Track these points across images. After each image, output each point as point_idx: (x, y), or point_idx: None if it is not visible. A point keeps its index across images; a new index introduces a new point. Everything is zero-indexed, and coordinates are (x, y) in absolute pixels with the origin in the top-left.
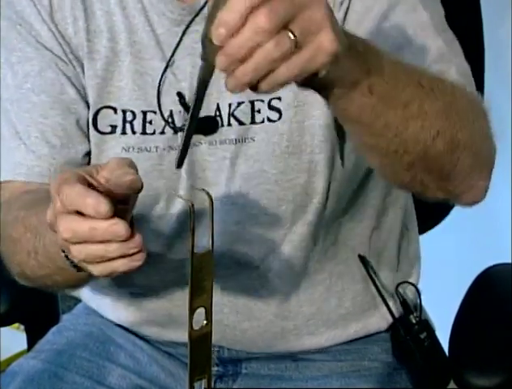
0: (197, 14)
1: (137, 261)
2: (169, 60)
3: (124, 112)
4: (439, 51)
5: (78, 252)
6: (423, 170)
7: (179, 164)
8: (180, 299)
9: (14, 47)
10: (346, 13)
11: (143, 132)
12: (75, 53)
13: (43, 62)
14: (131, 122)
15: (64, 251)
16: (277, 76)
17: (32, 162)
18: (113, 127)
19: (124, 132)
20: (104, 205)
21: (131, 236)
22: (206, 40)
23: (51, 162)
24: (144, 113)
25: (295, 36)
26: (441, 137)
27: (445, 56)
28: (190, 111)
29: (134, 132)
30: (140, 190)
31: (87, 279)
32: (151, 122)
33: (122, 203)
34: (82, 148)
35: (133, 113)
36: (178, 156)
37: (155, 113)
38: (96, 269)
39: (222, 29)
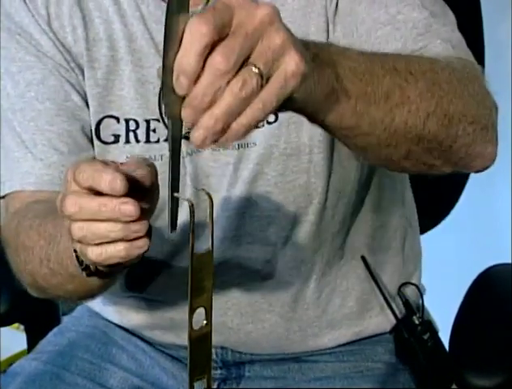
0: None
1: (138, 248)
2: None
3: (127, 121)
4: (425, 22)
5: (79, 229)
6: (423, 154)
7: (172, 229)
8: (182, 305)
9: (14, 57)
10: (337, 3)
11: (147, 141)
12: (76, 62)
13: (45, 70)
14: (135, 131)
15: (76, 251)
16: (253, 114)
17: (41, 170)
18: (116, 137)
19: (128, 141)
20: (119, 181)
21: (139, 219)
22: (166, 90)
23: (60, 169)
24: (147, 122)
25: (259, 68)
26: (431, 117)
27: (433, 27)
28: (169, 173)
29: (138, 141)
30: (151, 188)
31: (97, 289)
32: (154, 131)
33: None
34: (88, 155)
35: (136, 121)
36: (169, 220)
37: (158, 121)
38: (93, 252)
39: (182, 78)
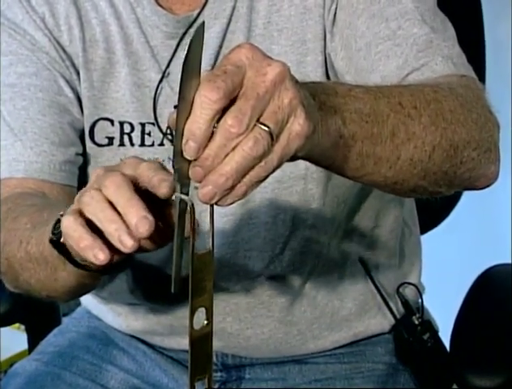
0: (190, 27)
1: (94, 257)
2: (164, 72)
3: (121, 123)
4: (426, 38)
5: (90, 196)
6: (429, 186)
7: (175, 289)
8: (180, 311)
9: (5, 50)
10: (335, 13)
11: (142, 144)
12: (71, 61)
13: (39, 64)
14: (129, 134)
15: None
16: (256, 173)
17: (30, 158)
18: (110, 139)
19: (122, 144)
20: (148, 227)
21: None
22: (176, 155)
23: (50, 159)
24: (143, 125)
25: (269, 127)
26: (437, 149)
27: (434, 42)
28: (175, 240)
29: (132, 144)
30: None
31: (64, 287)
32: (149, 134)
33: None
34: (76, 150)
35: (131, 124)
36: (173, 278)
37: (153, 124)
38: (69, 219)
39: (191, 142)
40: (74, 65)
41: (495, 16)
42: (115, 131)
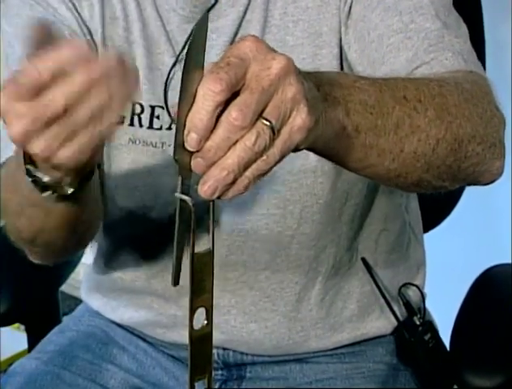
0: (208, 12)
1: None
2: (178, 56)
3: (133, 104)
4: (438, 33)
5: None
6: (432, 180)
7: (175, 283)
8: (184, 300)
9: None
10: (351, 6)
11: (150, 126)
12: (91, 37)
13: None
14: (139, 115)
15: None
16: (257, 166)
17: None
18: (121, 117)
19: (131, 124)
20: None
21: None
22: (177, 146)
23: None
24: (152, 108)
25: (270, 122)
26: (441, 143)
27: (445, 38)
28: (176, 226)
29: (141, 125)
30: None
31: (50, 218)
32: (158, 117)
33: None
34: None
35: (141, 106)
36: (173, 273)
37: (163, 108)
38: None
39: (193, 134)
40: (94, 41)
41: (495, 16)
42: (126, 111)
